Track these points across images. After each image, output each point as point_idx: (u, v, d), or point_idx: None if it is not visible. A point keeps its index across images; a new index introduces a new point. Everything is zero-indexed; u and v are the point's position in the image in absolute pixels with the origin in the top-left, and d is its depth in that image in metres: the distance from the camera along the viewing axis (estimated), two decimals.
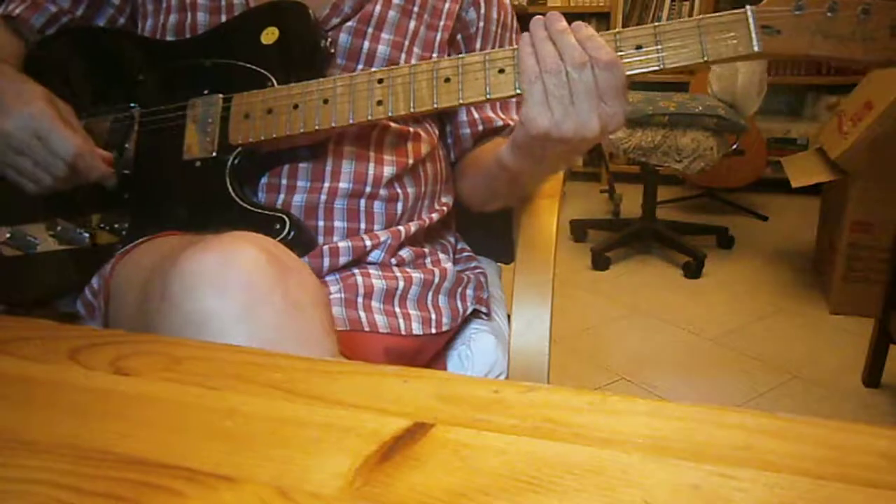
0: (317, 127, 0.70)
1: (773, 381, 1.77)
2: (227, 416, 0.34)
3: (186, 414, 0.35)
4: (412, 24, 0.80)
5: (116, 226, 0.75)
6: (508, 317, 0.84)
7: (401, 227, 0.78)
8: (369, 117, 0.69)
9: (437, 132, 0.86)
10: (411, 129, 0.80)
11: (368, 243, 0.75)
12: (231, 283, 0.50)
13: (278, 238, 0.69)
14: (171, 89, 0.77)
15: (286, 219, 0.70)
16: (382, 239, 0.76)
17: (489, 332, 0.82)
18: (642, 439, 0.31)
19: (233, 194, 0.72)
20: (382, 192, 0.77)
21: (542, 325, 0.78)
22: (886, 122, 1.90)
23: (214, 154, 0.73)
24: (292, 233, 0.70)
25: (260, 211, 0.71)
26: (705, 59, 0.62)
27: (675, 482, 0.28)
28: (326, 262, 0.73)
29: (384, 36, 0.78)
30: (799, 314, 2.13)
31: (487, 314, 0.86)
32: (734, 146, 2.52)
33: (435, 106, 0.67)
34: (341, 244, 0.74)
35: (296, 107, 0.70)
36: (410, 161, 0.80)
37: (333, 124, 0.69)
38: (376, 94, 0.68)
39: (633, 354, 1.93)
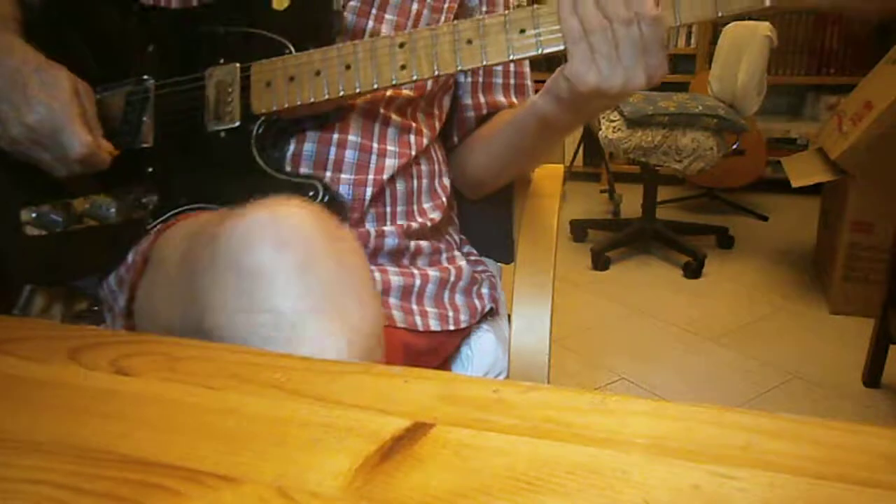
0: (341, 93, 0.69)
1: (773, 381, 1.77)
2: (228, 416, 0.34)
3: (186, 414, 0.35)
4: (415, 6, 0.80)
5: (144, 200, 0.74)
6: (508, 317, 0.84)
7: (403, 219, 0.78)
8: (394, 81, 0.68)
9: (443, 119, 0.86)
10: (413, 125, 0.80)
11: (372, 231, 0.75)
12: (288, 238, 0.49)
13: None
14: (184, 60, 0.76)
15: (318, 185, 0.69)
16: (388, 230, 0.76)
17: (489, 331, 0.82)
18: (642, 439, 0.31)
19: (262, 163, 0.71)
20: (386, 183, 0.77)
21: (542, 325, 0.78)
22: (886, 122, 1.90)
23: (238, 124, 0.73)
24: (326, 198, 0.69)
25: (292, 179, 0.71)
26: (719, 13, 0.62)
27: (675, 482, 0.28)
28: None
29: (387, 17, 0.78)
30: (799, 314, 2.13)
31: (500, 314, 0.86)
32: (734, 146, 2.52)
33: (459, 68, 0.67)
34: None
35: (318, 73, 0.69)
36: (413, 154, 0.80)
37: (358, 90, 0.69)
38: (399, 58, 0.68)
39: (633, 354, 1.93)
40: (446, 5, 0.83)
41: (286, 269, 0.49)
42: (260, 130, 0.72)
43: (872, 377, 1.72)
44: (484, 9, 0.86)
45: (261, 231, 0.49)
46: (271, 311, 0.48)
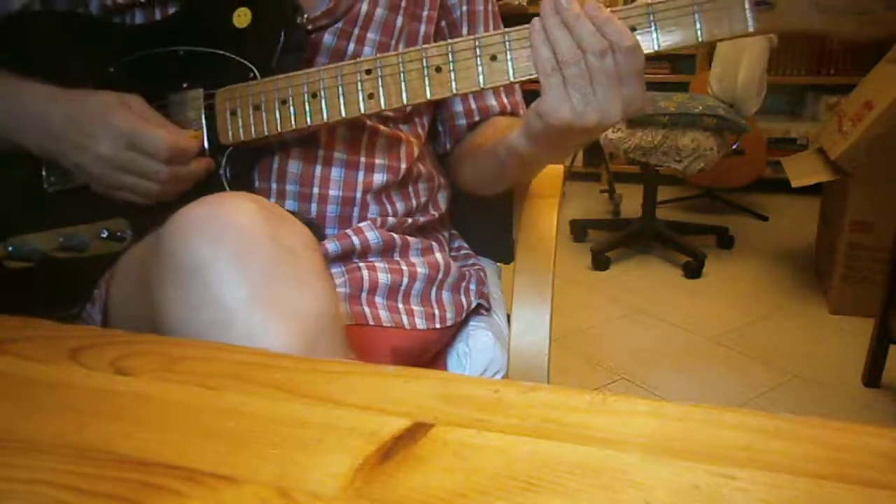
0: (308, 123, 0.68)
1: (773, 381, 1.77)
2: (227, 416, 0.34)
3: (186, 414, 0.35)
4: (399, 20, 0.79)
5: (119, 233, 0.74)
6: (508, 317, 0.84)
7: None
8: (362, 111, 0.67)
9: (427, 126, 0.85)
10: (402, 135, 0.80)
11: (356, 239, 0.74)
12: (220, 230, 0.50)
13: None
14: (146, 82, 0.73)
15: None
16: (369, 235, 0.75)
17: (487, 328, 0.82)
18: (642, 439, 0.31)
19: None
20: (372, 201, 0.77)
21: (542, 325, 0.78)
22: (886, 122, 1.90)
23: (206, 155, 0.71)
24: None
25: None
26: (700, 39, 0.60)
27: (675, 482, 0.28)
28: None
29: (369, 36, 0.77)
30: (799, 314, 2.13)
31: (489, 309, 0.86)
32: (734, 146, 2.52)
33: (429, 98, 0.66)
34: (329, 245, 0.73)
35: (284, 102, 0.68)
36: (403, 167, 0.79)
37: (325, 119, 0.68)
38: (366, 86, 0.66)
39: (633, 354, 1.93)
40: (426, 13, 0.81)
41: (221, 260, 0.49)
42: (228, 161, 0.71)
43: (872, 377, 1.72)
44: (465, 7, 0.85)
45: (196, 225, 0.50)
46: (211, 303, 0.48)
